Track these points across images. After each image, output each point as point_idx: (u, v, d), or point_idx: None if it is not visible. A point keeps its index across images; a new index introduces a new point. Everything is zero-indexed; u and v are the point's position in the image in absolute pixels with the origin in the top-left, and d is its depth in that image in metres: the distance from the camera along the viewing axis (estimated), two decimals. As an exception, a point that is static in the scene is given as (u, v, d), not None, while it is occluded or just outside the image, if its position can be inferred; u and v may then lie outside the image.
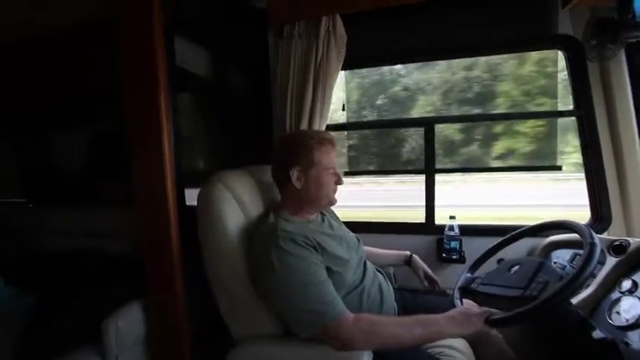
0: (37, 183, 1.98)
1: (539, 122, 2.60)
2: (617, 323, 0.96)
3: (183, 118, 1.31)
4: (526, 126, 2.80)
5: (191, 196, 1.11)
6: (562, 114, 1.57)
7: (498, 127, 2.95)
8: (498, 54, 1.65)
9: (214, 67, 1.58)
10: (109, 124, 1.71)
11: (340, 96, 1.74)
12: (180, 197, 1.10)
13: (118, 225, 1.38)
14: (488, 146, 2.97)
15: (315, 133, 1.08)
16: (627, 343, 0.89)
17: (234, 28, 1.58)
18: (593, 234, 0.82)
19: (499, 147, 2.97)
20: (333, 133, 1.29)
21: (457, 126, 2.89)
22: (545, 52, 1.81)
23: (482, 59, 2.46)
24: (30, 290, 1.29)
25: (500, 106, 2.61)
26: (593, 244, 0.79)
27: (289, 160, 1.03)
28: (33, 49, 1.67)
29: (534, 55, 2.19)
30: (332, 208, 1.19)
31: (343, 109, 1.72)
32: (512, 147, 2.93)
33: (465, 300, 1.00)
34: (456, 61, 2.30)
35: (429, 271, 1.29)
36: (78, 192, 1.83)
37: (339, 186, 1.08)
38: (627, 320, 0.94)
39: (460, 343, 1.04)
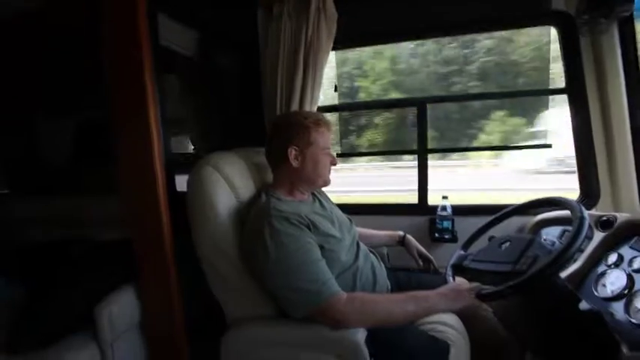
0: (20, 173, 1.94)
1: (390, 115, 3.05)
2: (602, 295, 0.99)
3: (171, 101, 1.27)
4: (380, 118, 3.31)
5: (180, 183, 1.10)
6: (553, 92, 1.56)
7: (363, 119, 3.35)
8: (491, 31, 1.62)
9: (201, 47, 1.53)
10: (93, 109, 1.66)
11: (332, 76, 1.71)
12: (170, 181, 1.09)
13: (106, 212, 1.37)
14: (360, 137, 3.36)
15: (310, 114, 1.09)
16: (612, 314, 0.92)
17: (221, 6, 1.53)
18: (583, 209, 0.83)
19: (364, 138, 3.39)
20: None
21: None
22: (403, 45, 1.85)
23: (351, 56, 2.79)
24: (19, 280, 1.28)
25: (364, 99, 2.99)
26: (582, 218, 0.80)
27: (286, 139, 1.03)
28: (12, 33, 1.59)
29: (388, 52, 2.34)
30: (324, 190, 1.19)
31: (335, 90, 1.69)
32: (371, 137, 3.36)
33: (457, 277, 1.02)
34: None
35: (424, 250, 1.31)
36: (63, 180, 1.79)
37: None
38: (612, 292, 0.97)
39: (452, 320, 1.06)
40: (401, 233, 1.34)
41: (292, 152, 1.02)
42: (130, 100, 1.02)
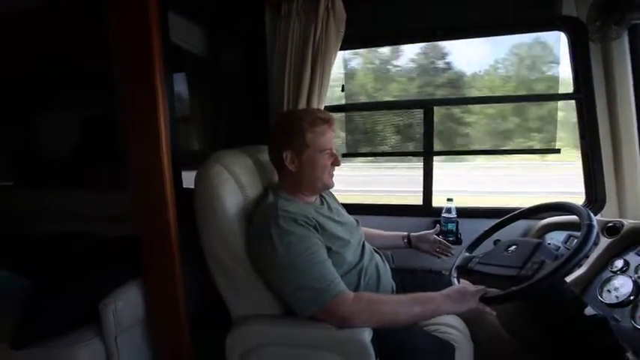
0: (26, 166, 1.94)
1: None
2: (607, 301, 0.99)
3: (179, 98, 1.27)
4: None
5: (187, 179, 1.10)
6: (563, 97, 1.56)
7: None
8: (501, 35, 1.62)
9: (208, 45, 1.54)
10: (100, 104, 1.66)
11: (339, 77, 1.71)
12: (177, 178, 1.09)
13: (112, 207, 1.37)
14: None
15: (308, 113, 1.03)
16: (617, 320, 0.92)
17: (228, 3, 1.53)
18: (592, 215, 0.83)
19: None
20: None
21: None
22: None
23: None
24: (24, 273, 1.28)
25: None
26: (590, 226, 0.81)
27: (282, 143, 1.00)
28: (21, 26, 1.60)
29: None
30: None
31: (342, 90, 1.69)
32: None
33: (462, 280, 1.02)
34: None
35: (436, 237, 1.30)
36: (69, 175, 1.80)
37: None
38: (617, 298, 0.98)
39: (456, 322, 1.06)
40: (405, 233, 1.34)
41: (288, 156, 0.99)
42: (139, 96, 1.01)
